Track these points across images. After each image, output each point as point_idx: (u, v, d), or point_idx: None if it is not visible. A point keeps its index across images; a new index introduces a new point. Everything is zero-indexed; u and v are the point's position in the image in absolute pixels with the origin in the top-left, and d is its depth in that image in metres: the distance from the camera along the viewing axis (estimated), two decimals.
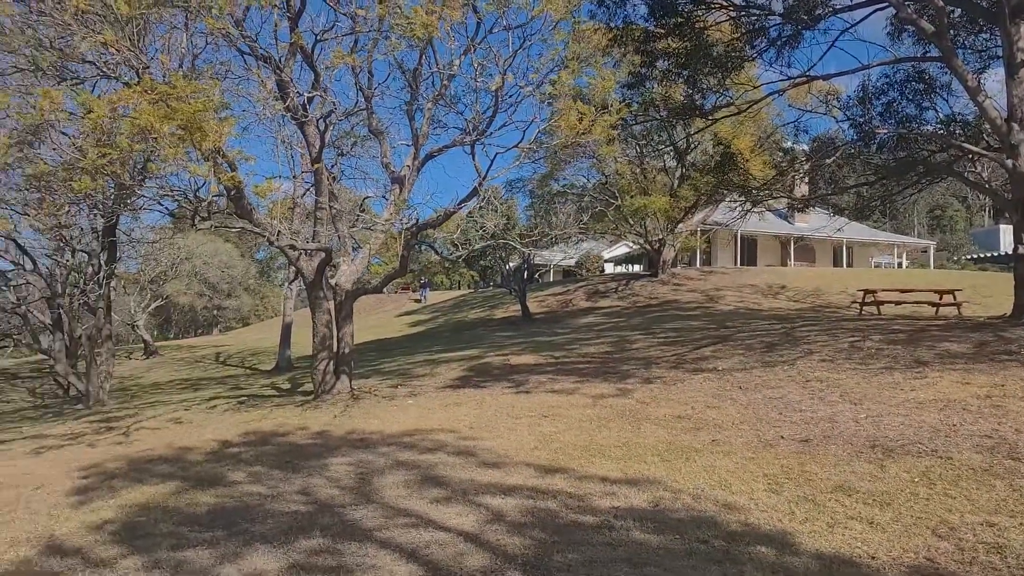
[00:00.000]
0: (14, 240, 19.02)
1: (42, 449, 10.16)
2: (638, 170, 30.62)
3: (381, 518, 5.87)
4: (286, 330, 25.27)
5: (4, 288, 21.26)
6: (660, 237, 30.46)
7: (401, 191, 13.67)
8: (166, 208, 15.34)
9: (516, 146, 12.18)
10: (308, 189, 21.39)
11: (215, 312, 56.61)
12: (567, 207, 34.05)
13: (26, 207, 18.15)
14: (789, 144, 21.29)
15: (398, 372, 15.60)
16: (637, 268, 46.42)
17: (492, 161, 12.54)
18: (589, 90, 12.65)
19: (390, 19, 10.82)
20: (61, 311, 20.28)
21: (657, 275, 31.28)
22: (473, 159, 12.30)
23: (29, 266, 20.14)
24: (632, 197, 27.42)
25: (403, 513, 5.97)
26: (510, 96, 12.18)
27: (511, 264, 31.58)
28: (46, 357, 24.15)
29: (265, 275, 61.19)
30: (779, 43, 17.10)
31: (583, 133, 11.15)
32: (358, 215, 18.47)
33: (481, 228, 18.03)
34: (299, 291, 29.44)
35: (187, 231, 31.87)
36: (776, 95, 18.85)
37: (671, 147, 29.96)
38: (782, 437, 7.71)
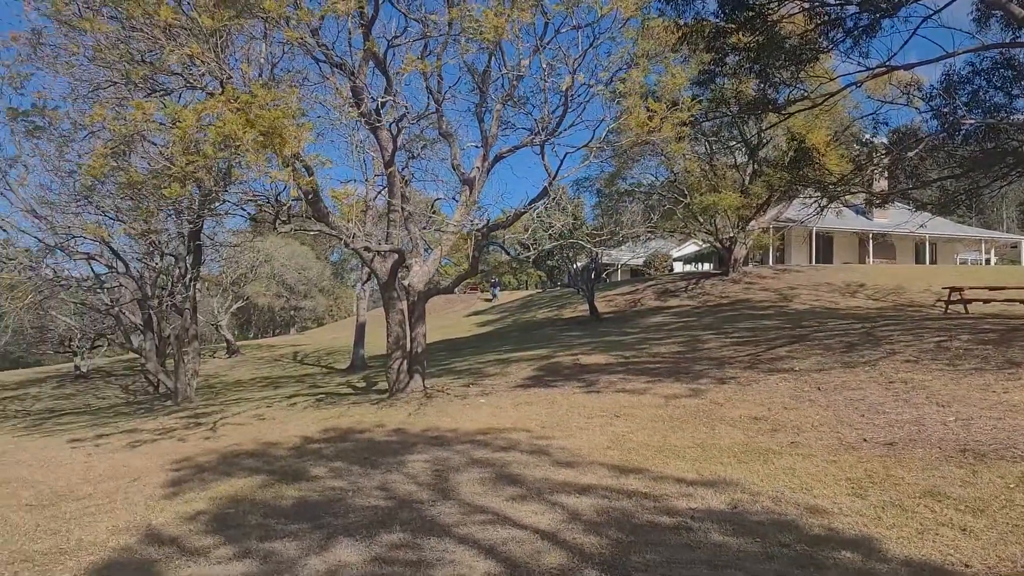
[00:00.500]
0: (108, 245, 20.00)
1: (137, 443, 10.68)
2: (707, 167, 30.03)
3: (459, 514, 5.94)
4: (360, 330, 25.83)
5: (100, 291, 22.39)
6: (731, 235, 29.81)
7: (471, 192, 13.81)
8: (247, 212, 15.95)
9: (586, 145, 12.13)
10: (380, 192, 21.82)
11: (292, 312, 58.37)
12: (634, 206, 33.69)
13: (119, 214, 19.13)
14: (867, 137, 20.49)
15: (469, 371, 15.74)
16: (707, 267, 45.56)
17: (562, 161, 12.51)
18: (659, 87, 12.51)
19: (460, 22, 10.95)
20: (151, 312, 21.24)
21: (728, 274, 30.62)
22: (543, 159, 12.32)
23: (122, 270, 21.13)
24: (702, 195, 26.92)
25: (480, 510, 6.03)
26: (579, 95, 12.16)
27: (578, 264, 31.46)
28: (137, 356, 25.37)
29: (338, 276, 62.73)
30: (856, 33, 16.47)
31: (653, 131, 11.03)
32: (429, 217, 18.77)
33: (549, 228, 18.04)
34: (372, 292, 30.11)
35: (266, 235, 32.94)
36: (853, 87, 18.15)
37: (742, 143, 29.29)
38: (865, 440, 7.45)
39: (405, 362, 13.47)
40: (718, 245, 31.21)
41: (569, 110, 11.99)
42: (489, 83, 13.39)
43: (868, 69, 16.54)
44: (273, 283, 45.44)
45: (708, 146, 29.55)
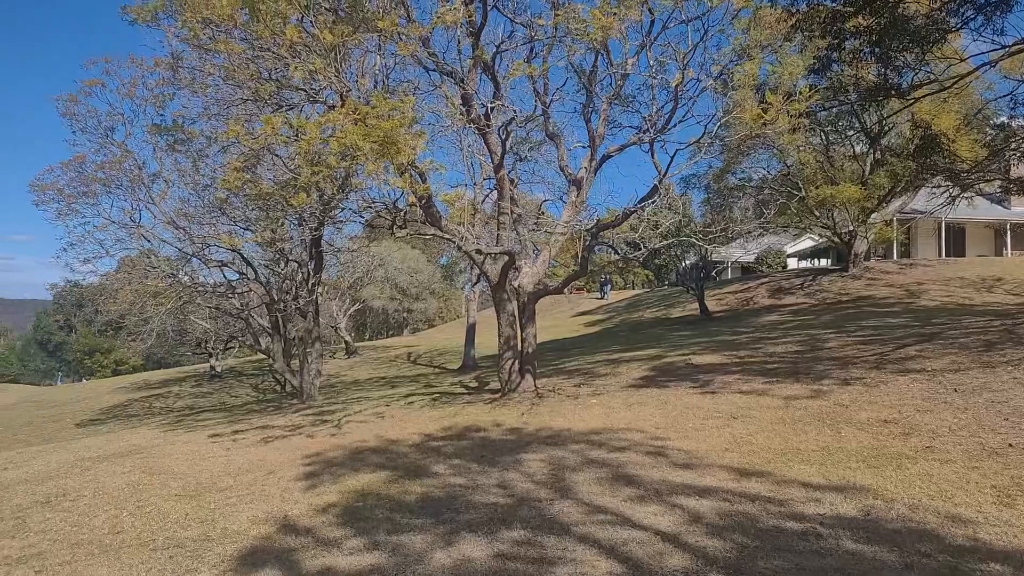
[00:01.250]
0: (240, 253, 21.27)
1: (270, 439, 11.31)
2: (823, 158, 28.64)
3: (578, 514, 5.95)
4: (470, 331, 26.31)
5: (232, 296, 23.83)
6: (850, 229, 28.30)
7: (579, 193, 13.78)
8: (363, 219, 16.57)
9: (697, 141, 11.85)
10: (487, 195, 22.16)
11: (405, 314, 60.11)
12: (745, 201, 32.59)
13: (248, 223, 20.34)
14: (1003, 120, 18.97)
15: (579, 371, 15.71)
16: (824, 262, 43.50)
17: (672, 157, 12.25)
18: (773, 78, 12.05)
19: (566, 24, 10.95)
20: (278, 315, 22.40)
21: (847, 269, 29.09)
22: (652, 157, 12.13)
23: (252, 276, 22.41)
24: (818, 187, 25.67)
25: (599, 510, 6.01)
26: (688, 90, 11.90)
27: (687, 262, 30.77)
28: (265, 356, 26.88)
29: (448, 279, 64.08)
30: (988, 9, 15.30)
31: (768, 124, 10.64)
32: (537, 218, 18.89)
33: (656, 227, 17.75)
34: (480, 293, 30.59)
35: (380, 240, 34.11)
36: (987, 67, 16.90)
37: (861, 132, 27.78)
38: (1010, 445, 6.90)
39: (516, 362, 13.59)
40: (836, 240, 29.74)
41: (679, 106, 11.74)
42: (596, 83, 13.33)
43: (1003, 47, 15.37)
44: (387, 286, 47.01)
45: (824, 136, 28.20)
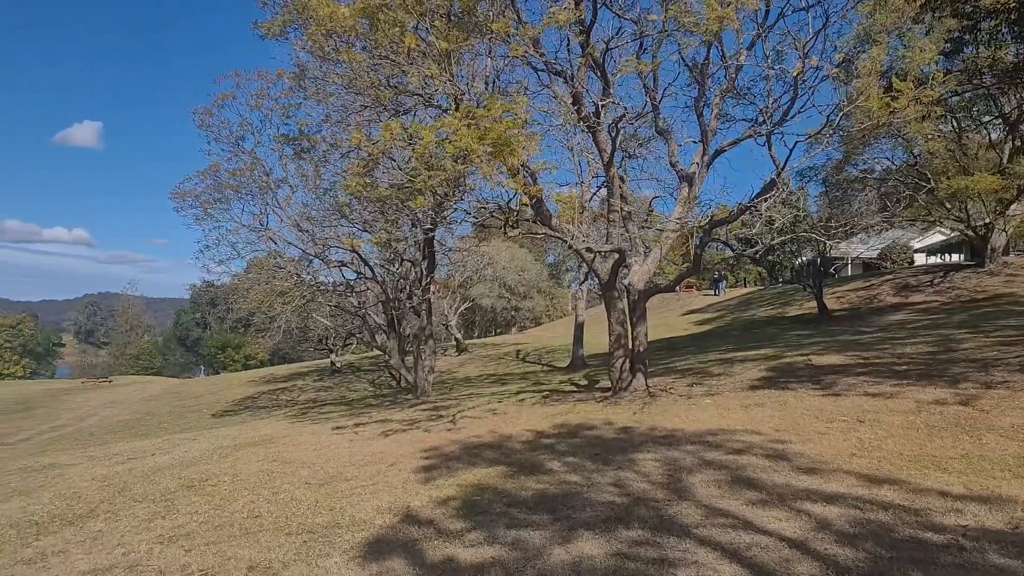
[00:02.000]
0: (358, 253, 22.16)
1: (389, 432, 11.71)
2: (955, 147, 26.66)
3: (697, 516, 5.82)
4: (578, 329, 26.25)
5: (350, 295, 24.87)
6: (986, 221, 26.21)
7: (690, 189, 13.47)
8: (474, 219, 16.86)
9: (818, 132, 11.32)
10: (595, 193, 22.06)
11: (512, 312, 60.76)
12: (867, 194, 30.77)
13: (366, 225, 21.17)
14: None
15: (692, 371, 15.35)
16: (956, 258, 40.53)
17: (791, 150, 11.75)
18: (901, 63, 11.36)
19: (677, 18, 10.72)
20: (393, 313, 23.18)
21: (983, 265, 26.96)
22: (769, 150, 11.68)
23: (368, 275, 23.31)
24: (950, 178, 23.91)
25: (719, 513, 5.86)
26: (808, 79, 11.38)
27: (803, 258, 29.42)
28: (381, 353, 27.90)
29: (555, 277, 64.24)
30: None
31: (896, 112, 10.03)
32: (647, 216, 18.61)
33: (770, 222, 17.08)
34: (588, 291, 30.51)
35: (489, 239, 34.64)
36: None
37: (998, 117, 25.66)
38: None
39: (627, 360, 13.45)
40: (970, 233, 27.62)
41: (798, 96, 11.25)
42: (708, 76, 12.99)
43: None
44: (496, 285, 47.70)
45: (956, 124, 26.24)
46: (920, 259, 45.00)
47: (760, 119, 12.14)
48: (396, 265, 23.88)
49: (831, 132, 11.83)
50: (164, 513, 7.40)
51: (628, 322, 13.91)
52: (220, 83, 21.00)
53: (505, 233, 11.78)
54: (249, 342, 64.69)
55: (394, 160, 14.22)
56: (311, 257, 23.51)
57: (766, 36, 11.49)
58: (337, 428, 12.83)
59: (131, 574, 5.50)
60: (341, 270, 24.03)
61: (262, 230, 22.66)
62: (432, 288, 22.38)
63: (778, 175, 11.68)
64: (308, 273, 23.87)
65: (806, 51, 10.60)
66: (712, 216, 12.74)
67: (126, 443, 16.58)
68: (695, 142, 13.96)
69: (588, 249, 13.11)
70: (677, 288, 15.07)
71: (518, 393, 15.69)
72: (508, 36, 10.93)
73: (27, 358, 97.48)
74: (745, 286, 57.84)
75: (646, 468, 7.56)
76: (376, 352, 32.89)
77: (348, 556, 5.53)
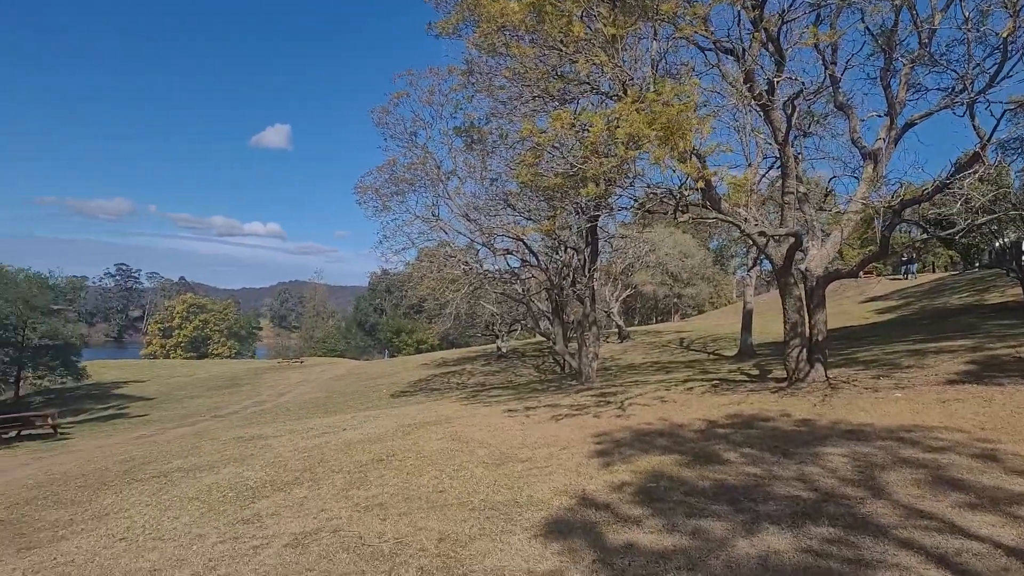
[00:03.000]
0: (522, 241, 22.60)
1: (559, 416, 11.87)
2: None
3: (895, 516, 5.41)
4: (747, 316, 25.17)
5: (515, 282, 25.41)
6: None
7: (875, 167, 12.46)
8: (642, 205, 16.59)
9: None
10: (763, 175, 20.97)
11: (675, 300, 59.44)
12: None
13: (530, 214, 21.54)
14: None
15: (878, 362, 14.24)
16: None
17: (998, 120, 10.53)
18: None
19: None
20: (557, 300, 23.43)
21: None
22: (972, 120, 10.53)
23: (533, 262, 23.71)
24: None
25: (919, 514, 5.41)
26: (1019, 39, 10.10)
27: (1005, 240, 26.29)
28: (544, 339, 28.30)
29: (719, 263, 61.98)
30: None
31: None
32: (824, 197, 17.45)
33: (966, 202, 15.39)
34: (756, 277, 29.15)
35: (652, 225, 34.00)
36: None
37: None
38: None
39: (804, 350, 12.71)
40: None
41: (1007, 59, 10.03)
42: (896, 44, 11.93)
43: None
44: (658, 271, 46.77)
45: None
46: None
47: (959, 87, 10.97)
48: (560, 252, 24.07)
49: None
50: (359, 483, 7.98)
51: (805, 309, 13.14)
52: (396, 82, 22.08)
53: (675, 219, 11.49)
54: (421, 327, 68.05)
55: (557, 149, 14.31)
56: (479, 246, 24.29)
57: None
58: (508, 411, 13.19)
59: (335, 537, 5.98)
60: (506, 258, 24.63)
61: (434, 220, 23.69)
62: (595, 275, 22.34)
63: (982, 148, 10.50)
64: (475, 261, 24.68)
65: (1017, 8, 9.42)
66: (902, 196, 11.70)
67: (319, 418, 18.07)
68: (880, 116, 12.90)
69: (761, 233, 12.51)
70: (859, 274, 14.00)
71: (685, 381, 15.31)
72: (676, 16, 10.64)
73: (232, 340, 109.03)
74: (933, 271, 52.63)
75: (832, 463, 7.12)
76: (540, 338, 33.42)
77: (530, 534, 5.67)
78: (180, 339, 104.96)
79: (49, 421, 22.73)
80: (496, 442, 9.89)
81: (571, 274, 22.43)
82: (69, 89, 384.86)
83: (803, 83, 12.94)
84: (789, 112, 13.03)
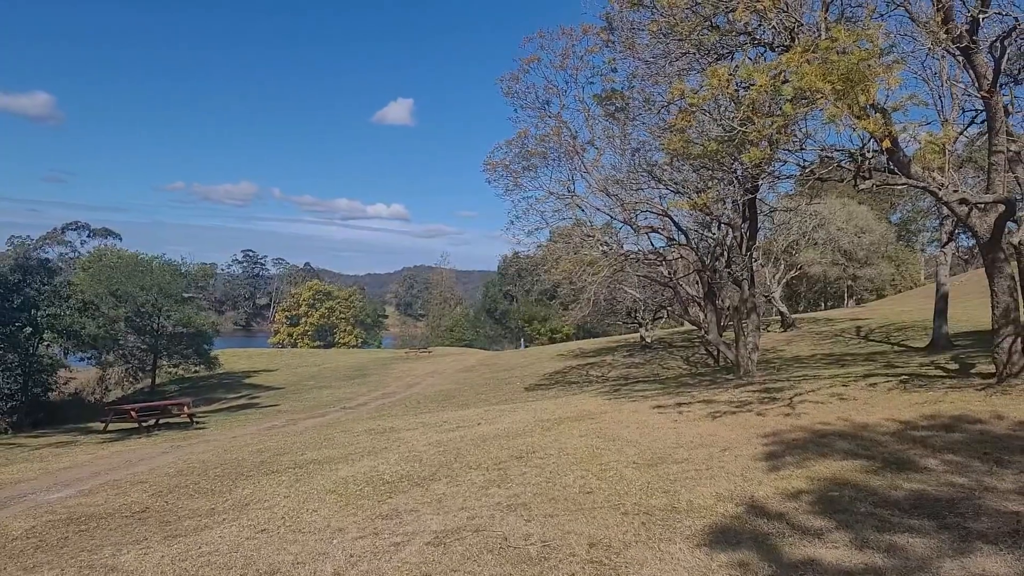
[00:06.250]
0: (669, 216, 22.16)
1: (716, 414, 11.58)
2: None
3: None
4: (941, 301, 23.39)
5: (660, 263, 24.96)
6: None
7: None
8: (807, 172, 15.78)
9: None
10: (961, 132, 19.33)
11: (849, 282, 56.30)
12: None
13: (678, 186, 21.02)
14: None
15: None
16: None
17: None
18: None
19: None
20: (710, 283, 22.78)
21: None
22: None
23: (681, 241, 23.18)
24: None
25: None
26: None
27: None
28: (694, 327, 27.67)
29: (903, 239, 57.94)
30: None
31: None
32: None
33: None
34: (952, 255, 27.05)
35: (821, 196, 32.25)
36: None
37: None
38: None
39: (1019, 340, 11.67)
40: None
41: None
42: None
43: None
44: (828, 249, 44.24)
45: None
46: None
47: None
48: (712, 229, 23.38)
49: None
50: (499, 481, 8.16)
51: (1020, 291, 12.06)
52: (525, 46, 22.16)
53: (855, 186, 10.83)
54: (555, 315, 68.52)
55: (709, 114, 13.85)
56: (619, 224, 24.04)
57: None
58: (658, 407, 13.03)
59: (478, 537, 6.15)
60: (650, 237, 24.21)
61: (569, 197, 23.68)
62: (754, 254, 21.55)
63: None
64: (615, 241, 24.43)
65: None
66: None
67: (451, 411, 18.66)
68: None
69: (963, 201, 11.56)
70: None
71: (867, 376, 14.49)
72: None
73: (358, 328, 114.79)
74: None
75: None
76: (688, 327, 32.69)
77: (692, 543, 5.58)
78: (307, 327, 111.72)
79: (186, 410, 24.85)
80: (646, 441, 9.80)
81: (726, 253, 21.74)
82: (191, 71, 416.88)
83: (1016, 19, 11.81)
84: (997, 55, 11.95)
